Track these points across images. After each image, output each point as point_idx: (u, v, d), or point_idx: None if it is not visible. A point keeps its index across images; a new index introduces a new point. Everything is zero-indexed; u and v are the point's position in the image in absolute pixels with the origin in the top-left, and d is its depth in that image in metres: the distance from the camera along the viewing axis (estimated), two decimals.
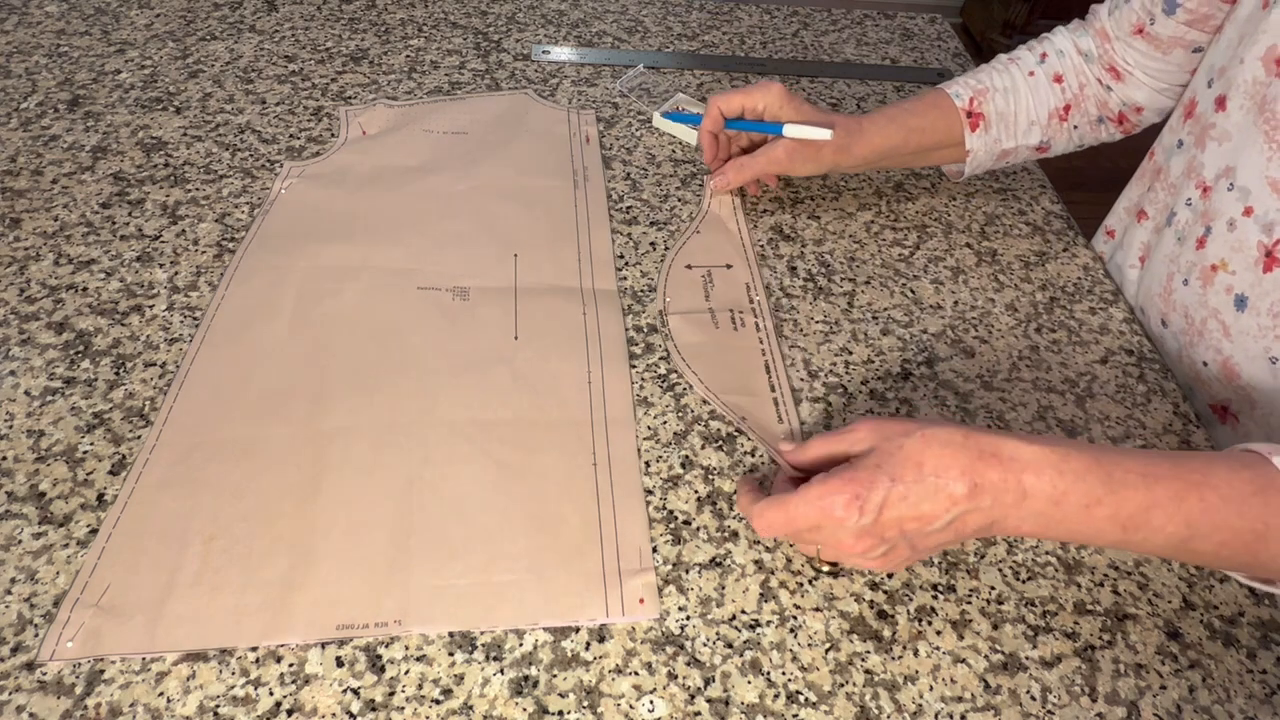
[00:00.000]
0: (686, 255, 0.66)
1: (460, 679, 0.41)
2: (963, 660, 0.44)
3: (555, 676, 0.41)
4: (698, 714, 0.41)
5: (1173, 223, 0.62)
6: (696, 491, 0.50)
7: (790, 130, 0.62)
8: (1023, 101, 0.67)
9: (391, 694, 0.40)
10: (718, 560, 0.47)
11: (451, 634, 0.43)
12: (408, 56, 0.86)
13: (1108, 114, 0.69)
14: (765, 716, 0.41)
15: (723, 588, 0.46)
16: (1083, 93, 0.68)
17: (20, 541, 0.45)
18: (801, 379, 0.57)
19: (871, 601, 0.46)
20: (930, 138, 0.67)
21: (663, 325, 0.60)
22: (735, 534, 0.48)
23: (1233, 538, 0.38)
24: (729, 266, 0.65)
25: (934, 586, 0.47)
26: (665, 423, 0.53)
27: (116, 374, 0.53)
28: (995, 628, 0.45)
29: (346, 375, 0.54)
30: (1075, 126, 0.69)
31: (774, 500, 0.41)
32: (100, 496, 0.47)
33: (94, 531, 0.45)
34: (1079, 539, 0.41)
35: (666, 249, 0.66)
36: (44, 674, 0.40)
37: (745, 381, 0.56)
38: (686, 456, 0.52)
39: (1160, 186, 0.66)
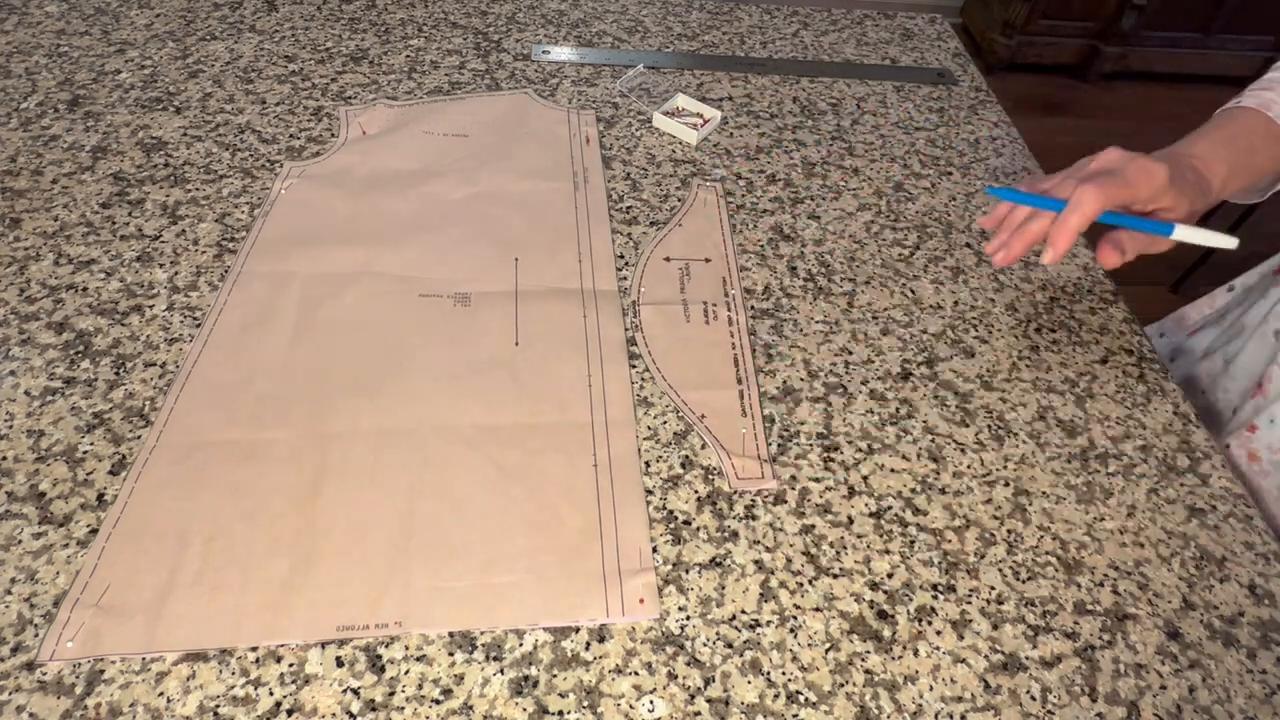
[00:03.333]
0: (666, 247, 0.66)
1: (460, 679, 0.41)
2: (963, 660, 0.44)
3: (555, 676, 0.41)
4: (698, 714, 0.41)
5: None
6: (696, 491, 0.50)
7: (1182, 234, 0.50)
8: None
9: (391, 694, 0.40)
10: (718, 560, 0.47)
11: (451, 634, 0.43)
12: (408, 56, 0.86)
13: None
14: (765, 716, 0.41)
15: (723, 588, 0.46)
16: None
17: (20, 541, 0.45)
18: (801, 379, 0.57)
19: (871, 601, 0.46)
20: (1262, 173, 0.57)
21: (634, 316, 0.60)
22: (735, 534, 0.48)
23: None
24: (707, 260, 0.65)
25: (934, 586, 0.47)
26: (665, 423, 0.53)
27: (116, 374, 0.53)
28: (995, 628, 0.45)
29: (347, 378, 0.54)
30: None
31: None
32: (100, 496, 0.47)
33: (94, 531, 0.45)
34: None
35: None
36: (44, 674, 0.40)
37: (711, 374, 0.56)
38: (687, 456, 0.52)
39: None
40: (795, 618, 0.45)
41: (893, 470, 0.52)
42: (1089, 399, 0.58)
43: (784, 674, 0.42)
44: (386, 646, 0.42)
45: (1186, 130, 0.61)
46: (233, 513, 0.46)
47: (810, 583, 0.46)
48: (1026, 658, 0.44)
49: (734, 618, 0.44)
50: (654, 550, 0.47)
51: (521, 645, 0.43)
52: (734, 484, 0.50)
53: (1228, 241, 0.50)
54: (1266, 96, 0.57)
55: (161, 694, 0.40)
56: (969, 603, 0.46)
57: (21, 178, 0.68)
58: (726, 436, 0.53)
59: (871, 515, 0.50)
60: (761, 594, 0.46)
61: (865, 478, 0.52)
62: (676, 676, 0.42)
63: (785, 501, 0.50)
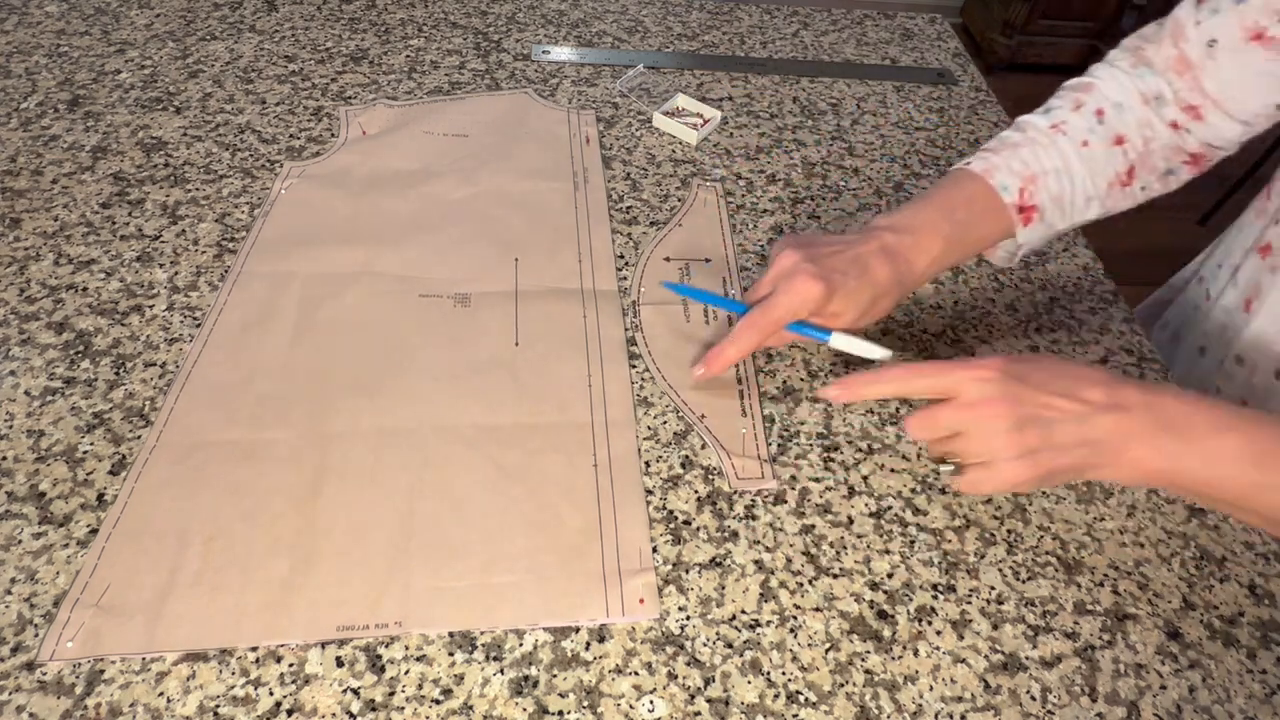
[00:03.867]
0: (666, 247, 0.66)
1: (460, 679, 0.41)
2: (963, 660, 0.44)
3: (555, 676, 0.41)
4: (698, 714, 0.41)
5: None
6: (696, 491, 0.50)
7: (838, 342, 0.52)
8: (1078, 181, 0.55)
9: (391, 694, 0.40)
10: (718, 560, 0.47)
11: (451, 634, 0.43)
12: (408, 56, 0.86)
13: (1181, 159, 0.57)
14: (765, 716, 0.41)
15: (723, 588, 0.46)
16: (1148, 148, 0.56)
17: (20, 541, 0.45)
18: (801, 379, 0.57)
19: (871, 601, 0.46)
20: (982, 245, 0.56)
21: (634, 316, 0.60)
22: (735, 534, 0.48)
23: None
24: (708, 261, 0.65)
25: (934, 586, 0.47)
26: (665, 423, 0.53)
27: (116, 374, 0.53)
28: (995, 628, 0.45)
29: (347, 378, 0.54)
30: (1143, 188, 0.58)
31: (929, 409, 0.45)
32: (100, 496, 0.47)
33: (94, 531, 0.45)
34: (1207, 481, 0.40)
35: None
36: (44, 674, 0.40)
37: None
38: (687, 456, 0.52)
39: None
40: (795, 618, 0.45)
41: (893, 470, 0.52)
42: None
43: (784, 674, 0.42)
44: (386, 646, 0.42)
45: None
46: (233, 513, 0.46)
47: (810, 583, 0.46)
48: (1026, 658, 0.44)
49: (734, 618, 0.44)
50: (654, 550, 0.47)
51: (521, 645, 0.43)
52: (734, 484, 0.50)
53: (881, 353, 0.52)
54: (993, 160, 0.55)
55: (161, 694, 0.40)
56: (969, 603, 0.46)
57: (21, 178, 0.68)
58: (726, 436, 0.53)
59: (871, 515, 0.50)
60: (761, 594, 0.46)
61: (865, 478, 0.52)
62: (676, 676, 0.42)
63: (785, 501, 0.50)
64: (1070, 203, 0.55)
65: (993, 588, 0.47)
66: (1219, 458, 0.40)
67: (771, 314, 0.50)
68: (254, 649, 0.41)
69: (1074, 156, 0.55)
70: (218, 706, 0.39)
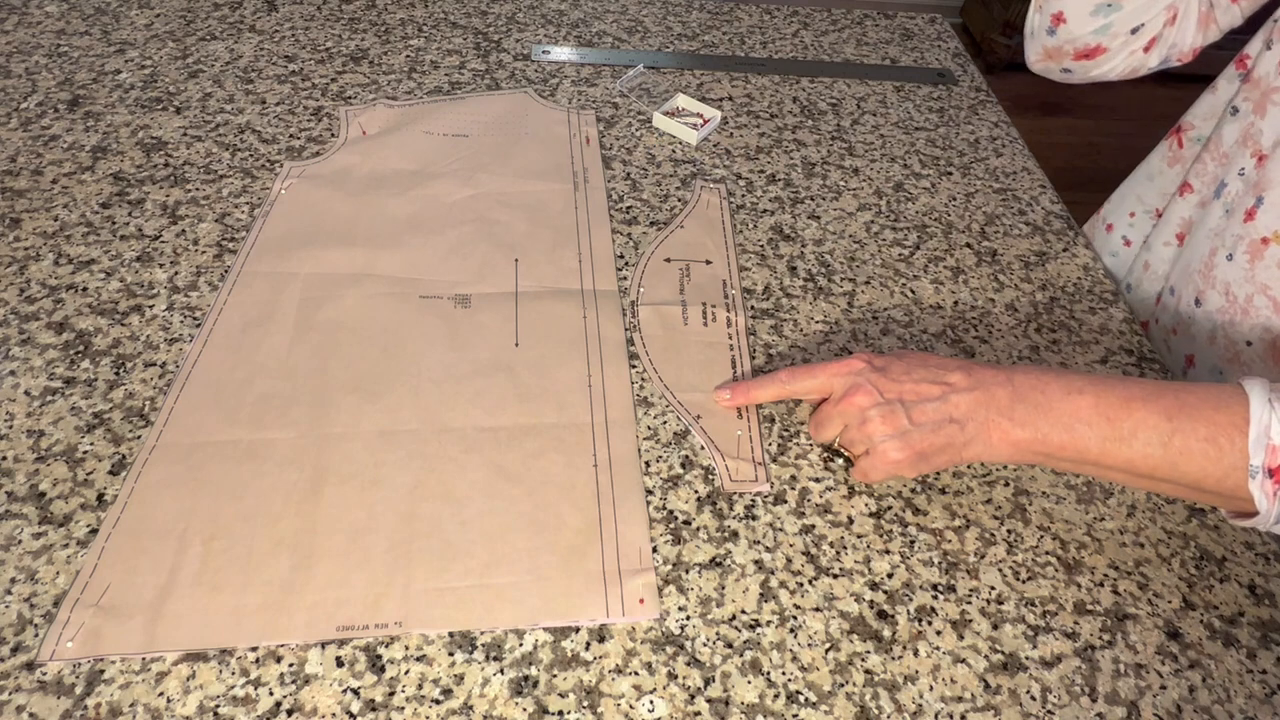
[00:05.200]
0: (667, 248, 0.66)
1: (460, 679, 0.41)
2: (963, 660, 0.44)
3: (555, 676, 0.41)
4: (698, 714, 0.41)
5: (1221, 195, 0.59)
6: (696, 491, 0.50)
7: None
8: None
9: (391, 694, 0.40)
10: (718, 560, 0.47)
11: (451, 634, 0.43)
12: (408, 56, 0.86)
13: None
14: (765, 716, 0.41)
15: (723, 588, 0.46)
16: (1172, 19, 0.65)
17: (20, 541, 0.45)
18: None
19: (871, 601, 0.46)
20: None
21: (633, 316, 0.60)
22: (735, 534, 0.48)
23: (1217, 432, 0.40)
24: (708, 262, 0.65)
25: (934, 586, 0.47)
26: (665, 423, 0.53)
27: (116, 374, 0.53)
28: (995, 628, 0.45)
29: (347, 379, 0.54)
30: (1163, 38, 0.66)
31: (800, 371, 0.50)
32: (100, 496, 0.47)
33: (94, 531, 0.45)
34: (1066, 444, 0.43)
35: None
36: (44, 674, 0.40)
37: (707, 375, 0.56)
38: (687, 456, 0.52)
39: (1209, 157, 0.63)
40: (795, 618, 0.45)
41: None
42: None
43: (784, 674, 0.42)
44: (386, 646, 0.42)
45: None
46: (233, 513, 0.46)
47: (810, 583, 0.46)
48: (1026, 658, 0.44)
49: (734, 618, 0.44)
50: (654, 550, 0.47)
51: (521, 645, 0.43)
52: (728, 486, 0.50)
53: None
54: None
55: (161, 694, 0.40)
56: (969, 603, 0.46)
57: (21, 178, 0.68)
58: (722, 439, 0.53)
59: (871, 515, 0.50)
60: (761, 594, 0.46)
61: None
62: (676, 676, 0.42)
63: (785, 501, 0.50)
64: None
65: (993, 588, 0.47)
66: (1074, 418, 0.43)
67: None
68: (254, 649, 0.41)
69: None
70: (218, 706, 0.39)
